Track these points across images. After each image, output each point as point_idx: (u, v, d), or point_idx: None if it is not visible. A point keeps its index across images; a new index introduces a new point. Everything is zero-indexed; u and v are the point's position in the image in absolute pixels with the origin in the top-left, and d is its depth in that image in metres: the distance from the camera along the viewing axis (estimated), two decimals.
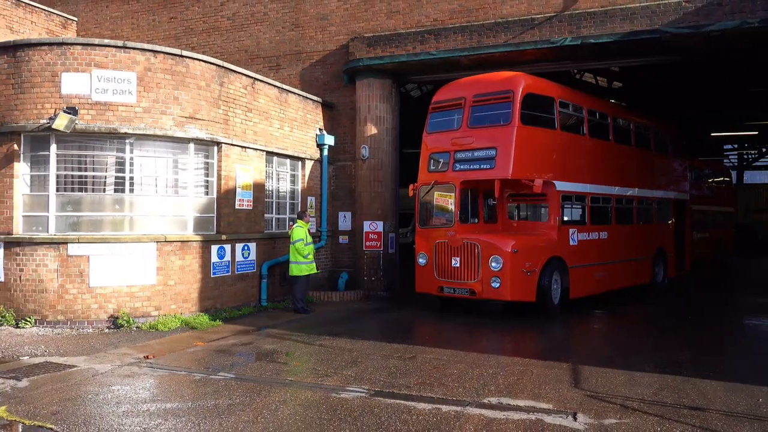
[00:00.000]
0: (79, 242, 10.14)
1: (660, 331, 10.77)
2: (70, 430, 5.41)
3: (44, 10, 18.25)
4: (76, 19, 19.07)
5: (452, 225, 11.89)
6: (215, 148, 11.54)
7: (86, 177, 10.50)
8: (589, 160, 13.31)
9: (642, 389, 6.75)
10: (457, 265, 11.61)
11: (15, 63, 10.36)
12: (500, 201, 12.71)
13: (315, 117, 14.92)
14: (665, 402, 6.30)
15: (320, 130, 14.93)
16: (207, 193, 11.56)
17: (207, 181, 11.56)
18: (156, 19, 17.98)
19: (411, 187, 12.83)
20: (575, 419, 5.76)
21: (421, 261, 12.27)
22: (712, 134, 28.48)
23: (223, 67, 11.70)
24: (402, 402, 6.25)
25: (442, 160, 12.35)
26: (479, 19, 14.19)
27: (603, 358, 8.31)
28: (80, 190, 10.49)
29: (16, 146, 10.34)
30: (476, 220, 12.79)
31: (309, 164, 14.60)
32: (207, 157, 11.52)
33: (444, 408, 6.06)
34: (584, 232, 12.96)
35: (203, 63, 11.26)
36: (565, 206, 12.63)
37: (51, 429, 5.43)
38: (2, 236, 10.32)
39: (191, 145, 11.17)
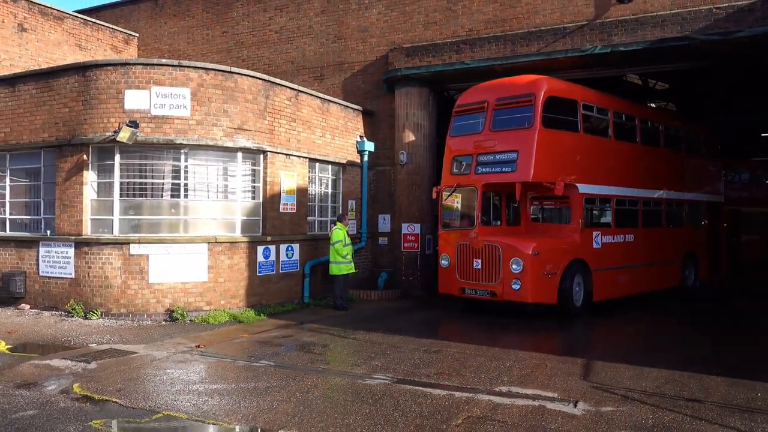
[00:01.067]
0: (139, 243, 11.24)
1: (678, 332, 11.07)
2: (131, 403, 6.33)
3: (109, 27, 19.75)
4: (137, 35, 20.51)
5: (474, 227, 12.08)
6: (261, 156, 12.48)
7: (146, 184, 11.60)
8: (614, 162, 13.33)
9: (646, 382, 7.22)
10: (479, 267, 11.78)
11: (84, 81, 11.56)
12: (523, 203, 12.82)
13: (356, 124, 15.74)
14: (665, 394, 6.77)
15: (360, 137, 15.72)
16: (254, 198, 12.51)
17: (254, 187, 12.51)
18: (210, 34, 19.18)
19: (434, 189, 13.09)
20: (575, 406, 6.32)
21: (444, 263, 12.54)
22: (762, 134, 27.85)
23: (268, 81, 12.64)
24: (420, 388, 6.94)
25: (464, 163, 12.53)
26: (513, 28, 14.69)
27: (616, 354, 8.76)
28: (141, 195, 11.60)
29: (85, 156, 11.52)
30: (498, 223, 12.98)
31: (350, 169, 15.42)
32: (254, 164, 12.47)
33: (457, 394, 6.72)
34: (609, 234, 12.99)
35: (250, 78, 12.21)
36: (589, 209, 12.71)
37: (116, 402, 6.36)
38: (73, 237, 11.53)
39: (239, 154, 12.13)
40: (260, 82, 12.40)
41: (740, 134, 24.65)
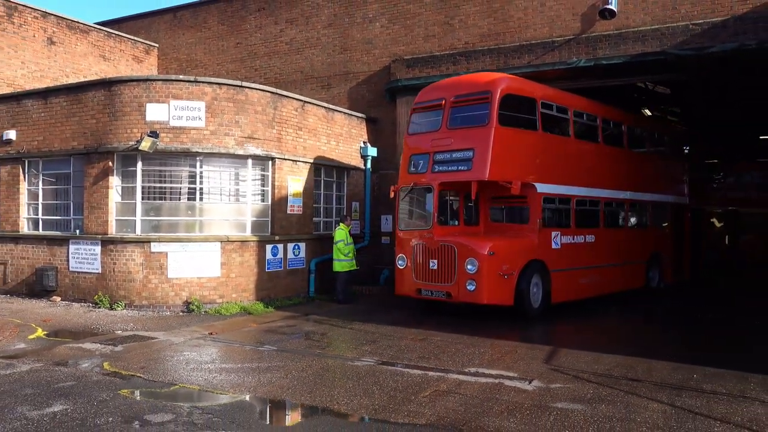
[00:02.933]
0: (159, 241, 12.44)
1: (640, 329, 11.88)
2: (153, 378, 7.49)
3: (130, 39, 21.05)
4: (156, 45, 21.80)
5: (430, 227, 11.85)
6: (270, 162, 13.62)
7: (165, 188, 12.81)
8: (575, 162, 13.16)
9: (599, 366, 8.23)
10: (435, 267, 11.59)
11: (110, 95, 12.78)
12: (482, 203, 12.58)
13: (359, 131, 16.84)
14: (612, 375, 7.78)
15: (364, 142, 16.79)
16: (263, 200, 13.66)
17: (263, 190, 13.66)
18: (224, 45, 20.40)
19: (392, 188, 12.85)
20: (529, 383, 7.36)
21: (400, 263, 12.35)
22: (761, 137, 28.49)
23: (276, 93, 13.78)
24: (400, 369, 8.02)
25: (421, 162, 12.22)
26: (506, 41, 15.70)
27: (581, 344, 9.75)
28: (160, 198, 12.81)
29: (110, 163, 12.75)
30: (456, 223, 12.78)
31: (354, 173, 16.53)
32: (263, 170, 13.62)
33: (431, 373, 7.79)
34: (569, 235, 12.81)
35: (259, 91, 13.37)
36: (548, 209, 12.49)
37: (140, 377, 7.53)
38: (99, 236, 12.77)
39: (249, 161, 13.29)
40: (269, 94, 13.54)
41: (732, 138, 25.23)
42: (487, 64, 15.60)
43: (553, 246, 12.38)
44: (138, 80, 12.75)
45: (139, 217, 12.72)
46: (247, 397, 6.85)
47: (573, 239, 12.95)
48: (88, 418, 5.89)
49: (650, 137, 16.40)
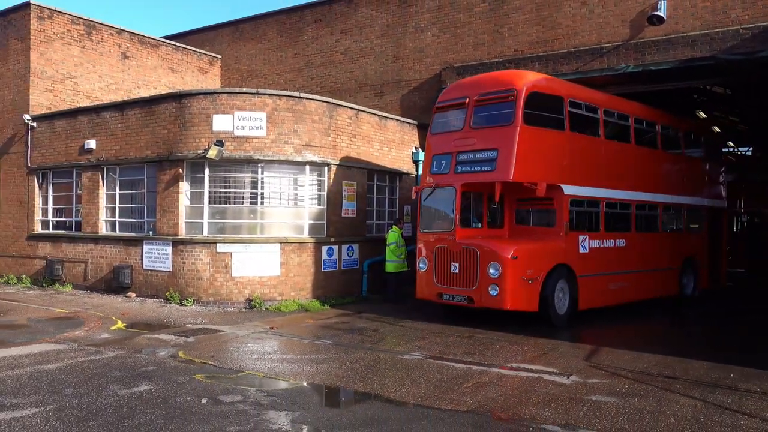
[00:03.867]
0: (224, 242, 13.42)
1: (678, 331, 12.15)
2: (222, 365, 8.34)
3: (196, 51, 22.37)
4: (220, 56, 23.05)
5: (452, 229, 11.50)
6: (326, 168, 14.42)
7: (229, 193, 13.79)
8: (605, 163, 12.71)
9: (638, 364, 8.60)
10: (456, 271, 11.26)
11: (180, 108, 13.86)
12: (507, 205, 12.22)
13: (411, 137, 17.48)
14: (649, 372, 8.15)
15: (416, 148, 17.42)
16: (319, 204, 14.48)
17: (319, 195, 14.47)
18: (283, 55, 21.43)
19: (413, 189, 12.67)
20: (567, 378, 7.83)
21: (422, 266, 12.03)
22: None
23: (332, 103, 14.59)
24: (445, 362, 8.61)
25: (444, 162, 11.89)
26: (554, 48, 16.03)
27: (622, 344, 10.11)
28: (225, 202, 13.80)
29: (180, 170, 13.82)
30: (480, 225, 12.25)
31: (405, 177, 17.18)
32: (319, 175, 14.43)
33: (474, 367, 8.35)
34: (597, 239, 12.34)
35: (316, 102, 14.20)
36: (576, 211, 12.07)
37: (211, 364, 8.39)
38: (170, 237, 13.85)
39: (307, 167, 14.13)
40: (325, 104, 14.36)
41: None
42: (536, 70, 15.87)
43: (581, 250, 11.96)
44: (205, 93, 13.78)
45: (206, 220, 13.73)
46: (305, 384, 7.59)
47: (602, 243, 12.53)
48: (170, 397, 6.74)
49: (686, 138, 15.71)
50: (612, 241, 12.84)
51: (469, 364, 8.56)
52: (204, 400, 6.67)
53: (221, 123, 13.49)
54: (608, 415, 6.34)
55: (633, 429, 5.95)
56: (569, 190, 11.71)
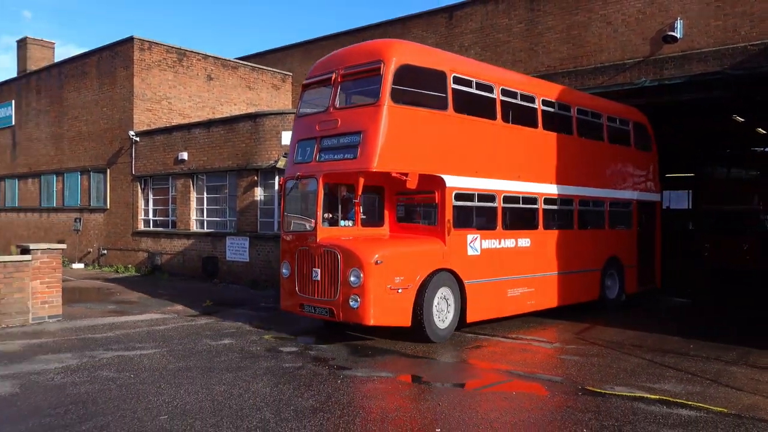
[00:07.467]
0: None
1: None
2: (284, 331, 10.88)
3: (269, 70, 25.35)
4: (291, 74, 25.95)
5: (314, 228, 9.67)
6: None
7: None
8: (504, 151, 10.94)
9: (618, 338, 10.45)
10: (317, 278, 9.45)
11: (255, 126, 16.65)
12: (388, 199, 10.51)
13: None
14: (622, 343, 10.02)
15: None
16: None
17: None
18: None
19: (279, 182, 10.87)
20: (551, 345, 9.86)
21: (284, 272, 10.24)
22: None
23: None
24: (457, 332, 10.76)
25: (309, 149, 10.04)
26: (583, 64, 17.77)
27: (616, 321, 11.92)
28: None
29: (255, 178, 16.61)
30: (350, 223, 10.35)
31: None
32: None
33: (481, 336, 10.49)
34: (492, 238, 10.60)
35: None
36: (464, 207, 10.25)
37: (275, 330, 10.95)
38: (248, 233, 16.67)
39: None
40: None
41: None
42: (566, 84, 17.70)
43: (470, 252, 10.20)
44: (275, 113, 16.51)
45: (276, 219, 16.45)
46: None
47: (499, 244, 10.77)
48: (245, 347, 9.33)
49: (609, 123, 13.87)
50: (512, 240, 11.07)
51: (479, 334, 10.70)
52: (268, 351, 9.20)
53: (289, 138, 16.14)
54: (567, 365, 8.37)
55: None
56: (454, 181, 9.88)
